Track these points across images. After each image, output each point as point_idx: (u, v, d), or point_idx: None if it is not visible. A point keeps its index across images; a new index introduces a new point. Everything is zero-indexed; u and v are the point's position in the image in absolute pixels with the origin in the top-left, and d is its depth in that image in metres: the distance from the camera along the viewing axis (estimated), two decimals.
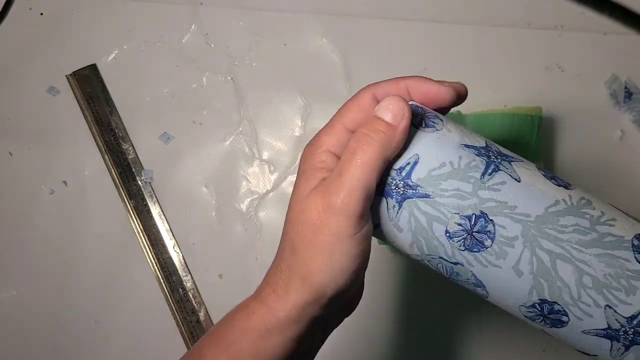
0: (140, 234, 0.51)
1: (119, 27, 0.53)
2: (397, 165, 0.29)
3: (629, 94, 0.52)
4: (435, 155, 0.29)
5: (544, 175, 0.29)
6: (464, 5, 0.53)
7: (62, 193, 0.52)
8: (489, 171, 0.28)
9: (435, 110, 0.32)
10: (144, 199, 0.51)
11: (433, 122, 0.30)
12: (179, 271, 0.51)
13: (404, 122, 0.28)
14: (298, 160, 0.52)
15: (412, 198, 0.29)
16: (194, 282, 0.51)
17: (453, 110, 0.48)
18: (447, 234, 0.28)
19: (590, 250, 0.27)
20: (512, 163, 0.29)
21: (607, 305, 0.27)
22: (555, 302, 0.28)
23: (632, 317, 0.27)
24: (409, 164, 0.29)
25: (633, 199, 0.52)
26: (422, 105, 0.31)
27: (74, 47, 0.53)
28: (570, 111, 0.52)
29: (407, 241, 0.29)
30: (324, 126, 0.32)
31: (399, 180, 0.29)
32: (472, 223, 0.28)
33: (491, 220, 0.27)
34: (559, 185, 0.29)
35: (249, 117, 0.52)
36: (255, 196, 0.52)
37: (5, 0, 0.48)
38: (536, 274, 0.27)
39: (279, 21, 0.53)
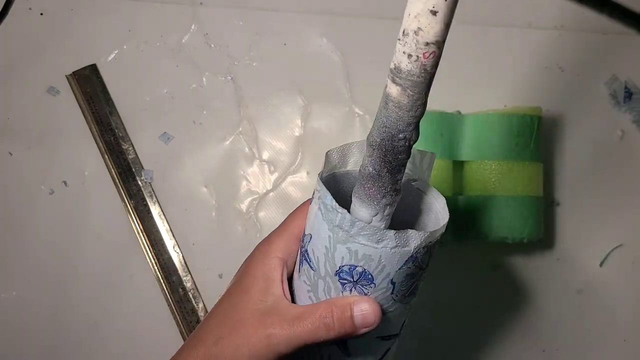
0: (140, 234, 0.51)
1: (119, 27, 0.53)
2: None
3: (629, 94, 0.52)
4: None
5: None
6: (464, 5, 0.53)
7: (62, 193, 0.52)
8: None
9: None
10: (144, 199, 0.51)
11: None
12: (179, 271, 0.51)
13: (364, 330, 0.30)
14: (298, 160, 0.52)
15: None
16: (194, 282, 0.51)
17: (453, 110, 0.48)
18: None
19: None
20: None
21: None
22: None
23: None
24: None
25: (633, 198, 0.52)
26: None
27: (74, 47, 0.53)
28: (570, 111, 0.52)
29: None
30: (275, 231, 0.34)
31: None
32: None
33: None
34: None
35: (248, 117, 0.52)
36: (255, 196, 0.52)
37: (5, 0, 0.48)
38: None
39: (278, 21, 0.53)
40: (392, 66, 0.24)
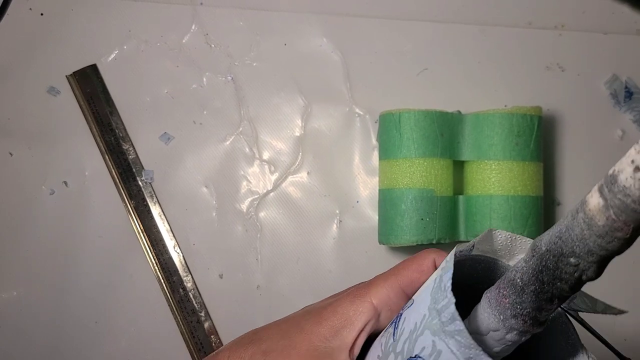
0: (141, 234, 0.51)
1: (119, 27, 0.53)
2: None
3: (629, 94, 0.52)
4: None
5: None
6: (464, 4, 0.53)
7: (62, 193, 0.52)
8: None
9: None
10: (144, 199, 0.52)
11: None
12: (180, 271, 0.51)
13: None
14: (299, 160, 0.52)
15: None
16: (194, 282, 0.51)
17: (453, 110, 0.48)
18: None
19: None
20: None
21: None
22: None
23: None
24: None
25: None
26: None
27: (74, 47, 0.53)
28: (570, 111, 0.52)
29: None
30: (382, 274, 0.30)
31: None
32: None
33: None
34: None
35: (249, 117, 0.52)
36: (256, 196, 0.52)
37: (3, 0, 0.48)
38: None
39: (279, 21, 0.53)
40: (609, 172, 0.18)
